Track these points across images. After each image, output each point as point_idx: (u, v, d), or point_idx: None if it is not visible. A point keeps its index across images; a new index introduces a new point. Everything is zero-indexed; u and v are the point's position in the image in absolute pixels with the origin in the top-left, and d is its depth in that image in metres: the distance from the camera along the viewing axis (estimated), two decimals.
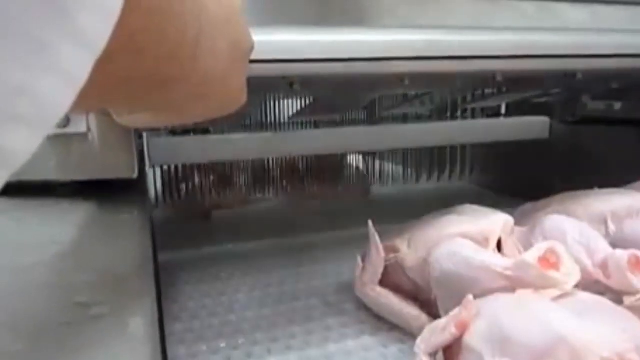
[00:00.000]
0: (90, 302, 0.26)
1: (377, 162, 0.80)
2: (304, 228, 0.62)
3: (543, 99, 0.70)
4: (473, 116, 0.78)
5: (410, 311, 0.40)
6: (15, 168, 0.12)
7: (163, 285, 0.48)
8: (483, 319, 0.28)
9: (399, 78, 0.43)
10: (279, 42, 0.37)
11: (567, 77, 0.49)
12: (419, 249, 0.41)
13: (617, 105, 0.66)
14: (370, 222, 0.43)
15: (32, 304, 0.26)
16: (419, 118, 0.73)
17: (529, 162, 0.76)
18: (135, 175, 0.41)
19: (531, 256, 0.31)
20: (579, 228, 0.38)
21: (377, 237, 0.42)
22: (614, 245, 0.36)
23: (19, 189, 0.36)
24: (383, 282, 0.43)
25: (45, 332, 0.24)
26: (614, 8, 0.50)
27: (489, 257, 0.35)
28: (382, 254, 0.42)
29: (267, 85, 0.45)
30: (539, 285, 0.30)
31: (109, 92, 0.22)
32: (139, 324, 0.25)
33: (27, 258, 0.31)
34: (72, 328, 0.24)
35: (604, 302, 0.29)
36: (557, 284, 0.30)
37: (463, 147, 0.83)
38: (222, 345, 0.41)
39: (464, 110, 0.77)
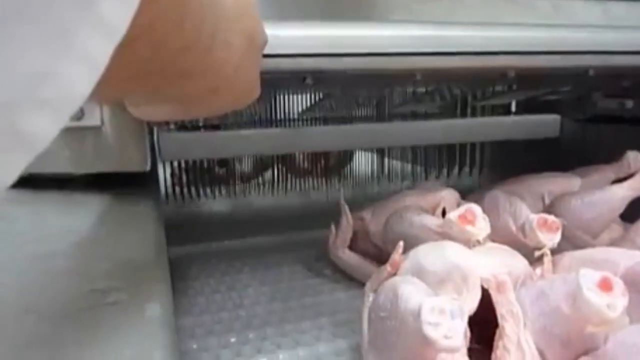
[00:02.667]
0: (108, 288, 0.27)
1: (386, 160, 0.79)
2: (314, 223, 0.62)
3: (554, 97, 0.70)
4: (483, 114, 0.78)
5: (373, 269, 0.44)
6: (37, 152, 0.12)
7: (173, 279, 0.48)
8: (409, 259, 0.36)
9: (411, 73, 0.43)
10: (292, 36, 0.37)
11: (579, 74, 0.49)
12: (380, 217, 0.50)
13: (629, 104, 0.65)
14: (341, 195, 0.54)
15: (53, 290, 0.27)
16: (428, 115, 0.73)
17: (538, 160, 0.76)
18: (147, 168, 0.41)
19: (453, 215, 0.38)
20: (509, 200, 0.47)
21: (347, 208, 0.52)
22: (550, 214, 0.41)
23: (33, 182, 0.36)
24: (353, 248, 0.52)
25: (67, 317, 0.25)
26: (626, 5, 0.50)
27: (426, 219, 0.44)
28: (351, 221, 0.51)
29: (279, 80, 0.45)
30: (460, 237, 0.37)
31: (126, 81, 0.22)
32: (156, 309, 0.26)
33: (47, 247, 0.31)
34: (92, 313, 0.25)
35: (502, 247, 0.37)
36: (472, 235, 0.37)
37: (473, 144, 0.83)
38: (232, 339, 0.41)
39: (474, 108, 0.77)
